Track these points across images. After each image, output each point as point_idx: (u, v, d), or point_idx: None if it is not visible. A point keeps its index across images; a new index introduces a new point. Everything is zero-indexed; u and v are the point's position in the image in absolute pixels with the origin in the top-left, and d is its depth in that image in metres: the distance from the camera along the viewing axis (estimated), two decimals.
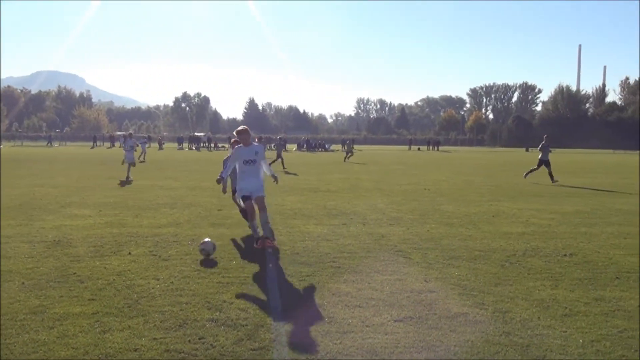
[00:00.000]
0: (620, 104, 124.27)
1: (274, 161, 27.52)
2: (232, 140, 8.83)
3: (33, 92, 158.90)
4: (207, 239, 7.38)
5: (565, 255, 7.61)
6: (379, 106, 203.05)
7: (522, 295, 5.65)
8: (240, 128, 7.91)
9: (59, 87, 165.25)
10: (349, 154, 38.36)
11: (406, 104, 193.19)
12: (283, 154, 29.96)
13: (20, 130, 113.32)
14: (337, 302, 5.37)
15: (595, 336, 4.54)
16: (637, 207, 12.67)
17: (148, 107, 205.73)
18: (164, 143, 75.29)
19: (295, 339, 4.43)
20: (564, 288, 5.97)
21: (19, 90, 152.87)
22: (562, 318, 4.98)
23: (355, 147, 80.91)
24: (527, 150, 71.86)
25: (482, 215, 11.34)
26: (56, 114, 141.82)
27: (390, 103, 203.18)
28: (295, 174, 24.03)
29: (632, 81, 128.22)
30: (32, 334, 4.43)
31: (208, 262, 6.95)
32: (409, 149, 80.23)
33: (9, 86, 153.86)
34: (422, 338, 4.46)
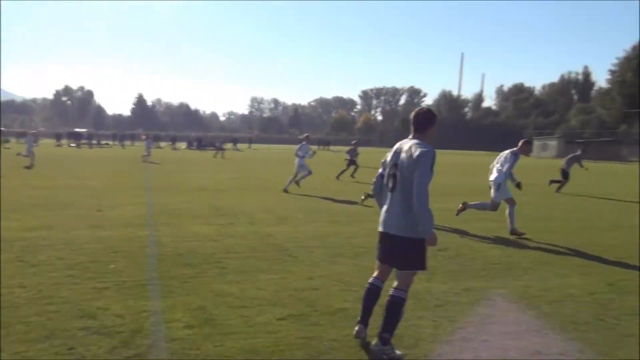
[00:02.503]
0: (495, 109, 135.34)
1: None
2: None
3: None
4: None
5: (440, 250, 8.10)
6: (272, 105, 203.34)
7: None
8: None
9: None
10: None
11: (299, 104, 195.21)
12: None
13: None
14: (220, 303, 5.30)
15: (462, 323, 4.89)
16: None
17: (24, 99, 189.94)
18: (39, 139, 69.81)
19: (174, 344, 4.30)
20: (437, 281, 6.35)
21: None
22: (434, 309, 5.31)
23: (254, 145, 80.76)
24: None
25: (367, 214, 11.75)
26: None
27: (284, 102, 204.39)
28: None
29: (505, 88, 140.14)
30: None
31: (82, 266, 6.54)
32: None
33: None
34: (302, 335, 4.53)
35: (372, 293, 4.40)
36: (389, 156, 4.23)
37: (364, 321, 4.40)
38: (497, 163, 10.02)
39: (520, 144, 10.17)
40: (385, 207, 4.25)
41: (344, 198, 14.65)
